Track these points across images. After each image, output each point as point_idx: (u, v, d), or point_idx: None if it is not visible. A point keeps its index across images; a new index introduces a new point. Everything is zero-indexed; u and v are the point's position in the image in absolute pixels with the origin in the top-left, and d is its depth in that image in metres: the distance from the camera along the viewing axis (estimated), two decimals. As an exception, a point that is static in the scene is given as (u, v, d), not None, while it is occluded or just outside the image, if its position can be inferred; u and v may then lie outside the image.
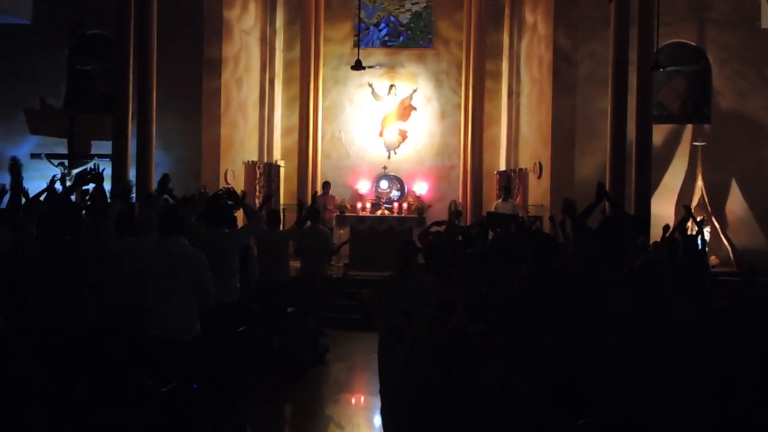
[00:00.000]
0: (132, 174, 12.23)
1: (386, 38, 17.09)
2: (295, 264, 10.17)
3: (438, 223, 9.72)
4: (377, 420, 7.15)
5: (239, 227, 7.69)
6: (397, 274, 5.38)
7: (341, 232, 14.34)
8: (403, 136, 16.62)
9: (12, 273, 5.69)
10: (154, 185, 11.88)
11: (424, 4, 16.95)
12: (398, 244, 5.55)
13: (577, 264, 6.51)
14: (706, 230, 12.82)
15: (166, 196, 7.12)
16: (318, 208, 10.83)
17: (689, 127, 14.37)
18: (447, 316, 5.05)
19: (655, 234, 10.86)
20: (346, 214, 14.80)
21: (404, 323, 5.07)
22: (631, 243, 6.17)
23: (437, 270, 6.19)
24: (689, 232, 9.98)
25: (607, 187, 12.05)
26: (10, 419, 4.97)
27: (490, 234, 9.02)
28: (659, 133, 13.50)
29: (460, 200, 15.61)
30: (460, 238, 8.99)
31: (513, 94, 16.05)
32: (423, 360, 4.64)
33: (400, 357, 4.95)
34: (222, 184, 13.54)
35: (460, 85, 16.30)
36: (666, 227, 10.14)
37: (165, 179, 7.21)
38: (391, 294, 5.33)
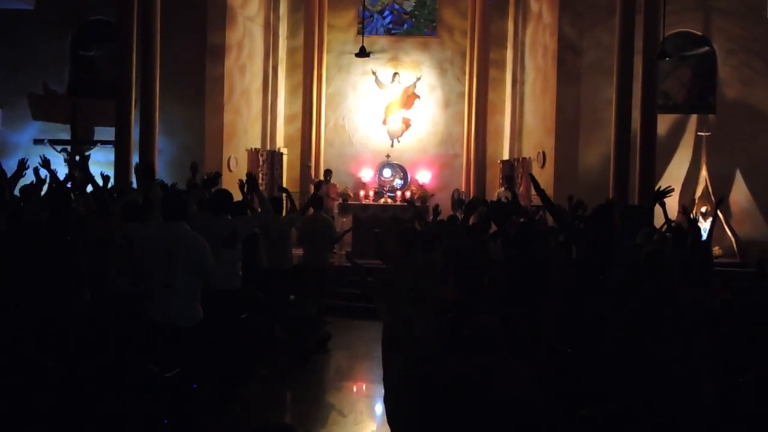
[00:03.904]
0: (135, 160, 12.21)
1: (390, 26, 16.99)
2: (298, 252, 10.16)
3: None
4: (379, 408, 7.16)
5: (245, 216, 7.67)
6: (399, 259, 5.33)
7: (344, 220, 14.31)
8: (407, 124, 16.56)
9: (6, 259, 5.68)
10: (158, 172, 11.87)
11: (429, -8, 16.86)
12: (399, 229, 5.53)
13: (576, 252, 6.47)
14: (708, 221, 12.76)
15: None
16: (321, 196, 10.83)
17: (694, 117, 14.30)
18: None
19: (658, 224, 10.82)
20: (349, 202, 14.77)
21: (410, 307, 5.01)
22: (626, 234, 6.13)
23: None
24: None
25: (611, 177, 12.07)
26: (12, 405, 4.98)
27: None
28: (664, 122, 13.43)
29: (464, 189, 15.56)
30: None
31: (517, 83, 15.97)
32: (428, 349, 4.61)
33: (405, 346, 4.91)
34: (225, 172, 13.54)
35: (464, 73, 16.21)
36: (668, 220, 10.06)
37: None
38: (395, 279, 5.24)
